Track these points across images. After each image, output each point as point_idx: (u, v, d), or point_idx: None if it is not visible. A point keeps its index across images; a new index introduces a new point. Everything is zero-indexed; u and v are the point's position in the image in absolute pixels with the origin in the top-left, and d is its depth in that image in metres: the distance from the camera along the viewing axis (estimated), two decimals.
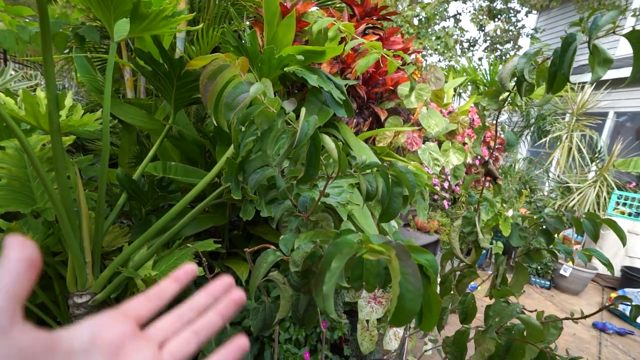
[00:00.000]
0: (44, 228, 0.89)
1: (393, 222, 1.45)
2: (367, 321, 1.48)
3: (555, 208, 4.36)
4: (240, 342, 0.26)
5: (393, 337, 1.46)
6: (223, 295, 0.29)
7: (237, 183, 0.78)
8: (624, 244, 0.76)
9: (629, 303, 0.68)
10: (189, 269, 0.28)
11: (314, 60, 1.15)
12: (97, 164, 1.24)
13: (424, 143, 1.89)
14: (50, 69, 0.64)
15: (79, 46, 1.21)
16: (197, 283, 1.30)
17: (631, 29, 0.55)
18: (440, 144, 2.18)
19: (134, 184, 0.96)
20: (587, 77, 5.30)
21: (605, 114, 5.50)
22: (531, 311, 0.74)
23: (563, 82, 0.65)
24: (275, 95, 0.65)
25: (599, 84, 5.25)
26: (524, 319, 0.65)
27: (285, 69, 1.05)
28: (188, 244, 0.82)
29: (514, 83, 0.76)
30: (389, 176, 0.65)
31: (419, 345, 1.85)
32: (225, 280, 0.29)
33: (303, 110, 0.60)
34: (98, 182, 0.83)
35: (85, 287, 0.85)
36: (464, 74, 5.21)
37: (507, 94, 0.81)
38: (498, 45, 7.03)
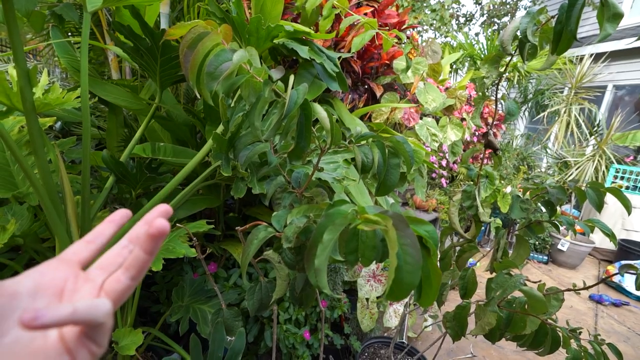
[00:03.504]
0: (29, 214, 0.86)
1: (391, 200, 1.42)
2: (367, 299, 1.48)
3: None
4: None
5: (393, 315, 1.47)
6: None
7: (227, 160, 0.74)
8: (629, 212, 0.73)
9: (633, 271, 0.67)
10: (123, 213, 0.30)
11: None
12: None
13: (421, 119, 1.85)
14: (17, 42, 0.59)
15: (57, 25, 1.15)
16: (193, 265, 1.28)
17: None
18: (437, 120, 2.14)
19: (121, 166, 0.93)
20: (586, 50, 5.19)
21: (604, 87, 5.42)
22: (534, 282, 0.73)
23: (569, 41, 0.61)
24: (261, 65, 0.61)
25: (597, 57, 5.15)
26: (527, 290, 0.63)
27: (274, 41, 1.00)
28: (179, 225, 0.80)
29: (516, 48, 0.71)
30: (385, 147, 0.61)
31: (419, 322, 1.86)
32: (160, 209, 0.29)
33: (292, 79, 0.56)
34: (82, 164, 0.79)
35: None
36: (461, 50, 5.08)
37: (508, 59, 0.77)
38: (495, 19, 6.86)
